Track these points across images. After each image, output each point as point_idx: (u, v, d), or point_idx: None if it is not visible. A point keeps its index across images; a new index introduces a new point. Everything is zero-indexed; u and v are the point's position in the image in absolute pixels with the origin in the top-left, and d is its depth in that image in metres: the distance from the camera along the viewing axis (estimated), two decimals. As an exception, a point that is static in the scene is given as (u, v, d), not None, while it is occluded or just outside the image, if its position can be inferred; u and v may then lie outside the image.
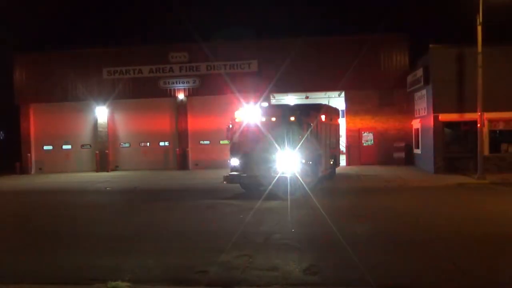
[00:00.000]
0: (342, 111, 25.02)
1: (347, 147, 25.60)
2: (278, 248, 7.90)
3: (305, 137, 14.67)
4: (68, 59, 26.89)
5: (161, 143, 27.16)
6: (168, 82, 26.19)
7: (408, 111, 24.74)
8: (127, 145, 27.38)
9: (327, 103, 23.95)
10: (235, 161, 15.06)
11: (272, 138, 14.36)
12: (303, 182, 14.18)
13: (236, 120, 15.56)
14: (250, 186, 15.44)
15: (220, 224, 10.50)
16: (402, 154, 24.67)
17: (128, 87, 26.49)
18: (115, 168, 26.86)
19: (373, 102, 25.25)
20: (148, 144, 27.16)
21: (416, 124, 23.82)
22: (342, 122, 23.85)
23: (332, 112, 19.84)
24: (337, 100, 27.02)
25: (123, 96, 26.46)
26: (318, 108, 17.46)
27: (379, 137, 25.21)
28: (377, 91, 25.21)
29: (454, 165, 19.88)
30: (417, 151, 23.81)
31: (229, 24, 37.87)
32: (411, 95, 24.11)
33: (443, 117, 20.09)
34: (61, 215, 12.55)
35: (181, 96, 26.22)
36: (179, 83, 26.17)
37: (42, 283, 6.35)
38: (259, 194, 14.11)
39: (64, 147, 27.52)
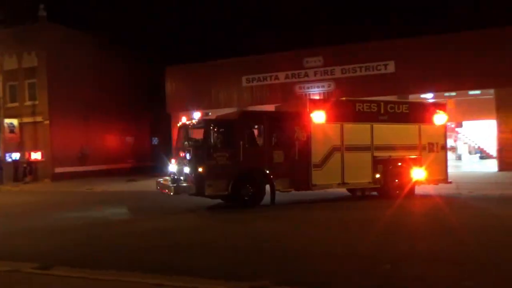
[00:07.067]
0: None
1: (499, 150, 23.39)
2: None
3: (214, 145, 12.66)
4: (211, 70, 29.01)
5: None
6: (304, 87, 26.71)
7: None
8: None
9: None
10: (171, 167, 13.92)
11: (188, 145, 13.10)
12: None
13: (178, 125, 14.45)
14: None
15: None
16: None
17: (265, 94, 27.62)
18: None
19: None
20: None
21: None
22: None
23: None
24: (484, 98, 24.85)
25: (259, 102, 27.65)
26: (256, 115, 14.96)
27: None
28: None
29: None
30: None
31: (362, 25, 37.26)
32: None
33: None
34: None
35: (316, 100, 26.52)
36: (314, 88, 26.51)
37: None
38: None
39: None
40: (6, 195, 21.22)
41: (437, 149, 14.77)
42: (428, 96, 26.04)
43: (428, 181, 14.65)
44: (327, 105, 14.01)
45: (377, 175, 14.03)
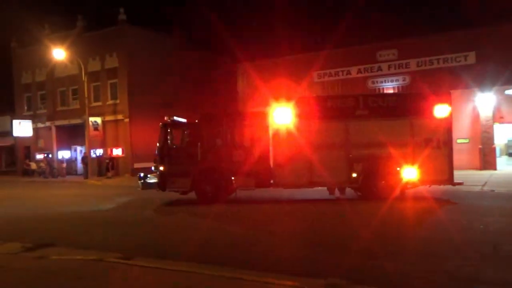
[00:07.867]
0: None
1: None
2: None
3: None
4: (282, 66, 29.00)
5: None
6: (377, 82, 25.97)
7: None
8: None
9: None
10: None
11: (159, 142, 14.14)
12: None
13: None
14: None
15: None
16: None
17: (337, 89, 27.19)
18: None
19: None
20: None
21: None
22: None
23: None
24: None
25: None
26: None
27: None
28: None
29: None
30: None
31: (437, 14, 35.43)
32: None
33: None
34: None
35: (390, 95, 25.68)
36: (388, 82, 25.69)
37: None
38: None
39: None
40: (91, 188, 22.77)
41: (437, 146, 13.07)
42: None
43: (424, 182, 13.13)
44: (292, 103, 13.84)
45: (354, 174, 13.22)
